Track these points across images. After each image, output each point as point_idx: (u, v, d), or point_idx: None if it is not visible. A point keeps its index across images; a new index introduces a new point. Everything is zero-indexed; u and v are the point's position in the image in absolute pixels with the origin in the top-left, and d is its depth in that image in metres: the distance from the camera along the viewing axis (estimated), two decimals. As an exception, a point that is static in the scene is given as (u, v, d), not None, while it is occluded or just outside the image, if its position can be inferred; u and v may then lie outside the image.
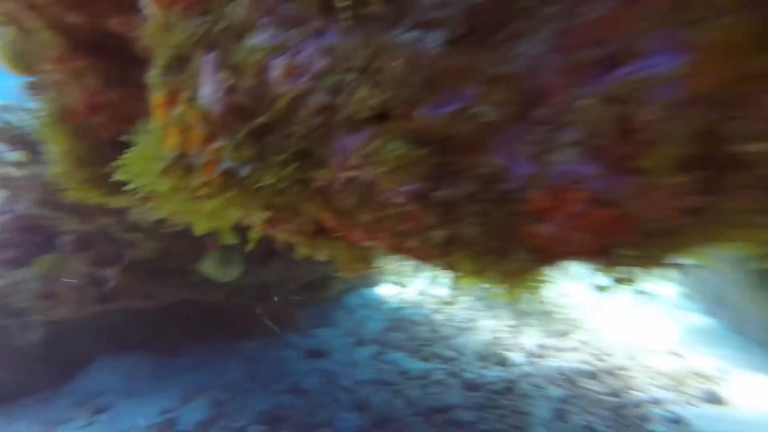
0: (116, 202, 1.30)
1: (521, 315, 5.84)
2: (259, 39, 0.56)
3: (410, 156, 0.54)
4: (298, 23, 0.57)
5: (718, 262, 4.72)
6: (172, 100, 0.64)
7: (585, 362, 4.54)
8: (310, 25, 0.56)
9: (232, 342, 4.13)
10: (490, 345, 4.86)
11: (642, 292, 7.12)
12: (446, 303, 6.28)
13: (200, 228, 0.79)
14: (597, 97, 0.48)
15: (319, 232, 0.70)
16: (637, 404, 3.81)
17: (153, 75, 0.67)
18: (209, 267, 2.79)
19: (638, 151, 0.47)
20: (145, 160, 0.71)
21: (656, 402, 3.86)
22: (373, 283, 6.74)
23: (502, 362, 4.47)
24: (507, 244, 0.55)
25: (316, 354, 4.24)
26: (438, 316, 5.86)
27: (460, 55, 0.53)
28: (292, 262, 3.80)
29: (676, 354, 4.84)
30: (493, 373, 4.28)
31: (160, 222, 1.94)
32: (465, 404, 3.64)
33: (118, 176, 0.77)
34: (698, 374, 4.33)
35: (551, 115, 0.52)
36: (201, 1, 0.62)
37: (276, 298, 3.87)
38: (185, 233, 1.97)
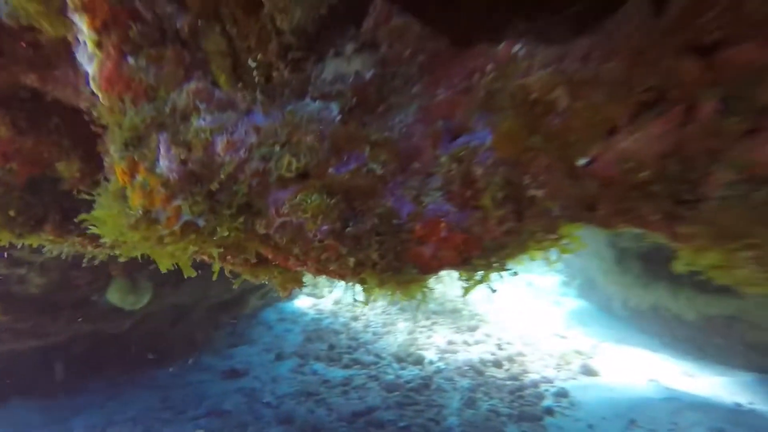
0: (29, 240, 1.26)
1: (433, 315, 6.27)
2: (202, 122, 0.70)
3: (325, 204, 0.72)
4: (229, 106, 0.72)
5: (586, 253, 5.59)
6: (132, 170, 0.74)
7: (489, 353, 5.05)
8: (238, 107, 0.72)
9: (142, 372, 3.89)
10: (407, 346, 5.17)
11: (531, 285, 8.06)
12: (361, 304, 6.50)
13: (164, 265, 0.88)
14: (449, 156, 0.71)
15: (260, 262, 0.84)
16: (533, 384, 4.36)
17: (114, 150, 0.76)
18: (115, 296, 2.65)
19: (477, 194, 0.70)
20: (113, 217, 0.79)
21: (547, 381, 4.45)
22: (290, 297, 6.73)
23: (418, 361, 4.79)
24: (400, 263, 0.75)
25: (235, 374, 4.17)
26: (356, 324, 6.05)
27: (353, 123, 0.73)
28: (206, 282, 3.72)
29: (561, 336, 5.60)
30: (410, 372, 4.57)
31: (53, 255, 1.84)
32: (385, 405, 3.86)
33: (92, 230, 0.83)
34: (577, 352, 5.07)
35: (422, 168, 0.74)
36: (147, 91, 0.73)
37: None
38: (82, 264, 1.90)
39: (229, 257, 0.81)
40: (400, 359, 4.83)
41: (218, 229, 0.73)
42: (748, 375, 4.37)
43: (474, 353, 5.05)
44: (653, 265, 3.00)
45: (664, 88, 0.58)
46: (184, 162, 0.71)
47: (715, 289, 2.91)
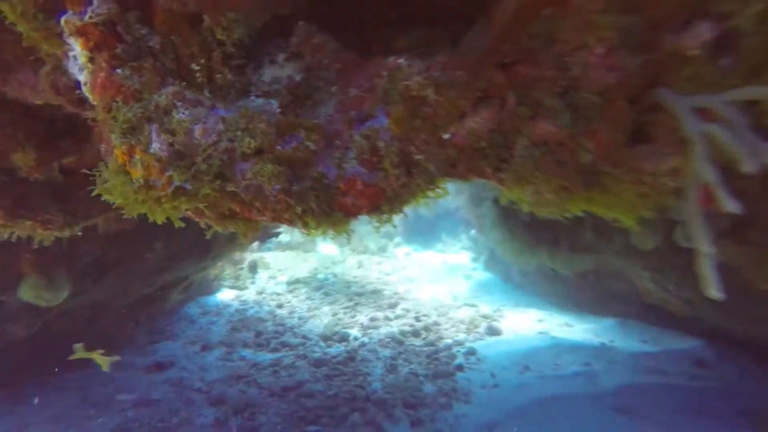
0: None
1: (355, 297, 6.62)
2: (182, 115, 0.90)
3: (276, 171, 0.96)
4: (199, 103, 0.93)
5: (488, 230, 6.34)
6: (131, 151, 0.90)
7: (408, 325, 5.53)
8: (205, 104, 0.94)
9: (56, 375, 3.71)
10: (332, 326, 5.46)
11: (445, 263, 8.81)
12: (285, 294, 6.64)
13: (160, 218, 1.04)
14: (360, 135, 1.00)
15: (230, 216, 1.04)
16: (447, 348, 4.91)
17: (114, 138, 0.92)
18: (29, 293, 2.56)
19: (380, 160, 1.00)
20: (119, 186, 0.95)
21: (459, 343, 5.04)
22: (211, 291, 6.63)
23: (343, 338, 5.11)
24: (331, 210, 1.03)
25: (160, 367, 4.14)
26: (281, 311, 6.18)
27: (290, 114, 0.98)
28: (126, 276, 3.65)
29: (471, 305, 6.29)
30: (336, 349, 4.88)
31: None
32: (314, 378, 4.13)
33: (106, 197, 0.97)
34: (484, 316, 5.77)
35: (341, 144, 1.02)
36: (134, 93, 0.90)
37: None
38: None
39: (207, 212, 1.00)
40: (326, 338, 5.11)
41: (200, 190, 0.94)
42: (611, 320, 5.36)
43: (395, 326, 5.50)
44: (535, 233, 3.64)
45: (488, 89, 0.92)
46: (171, 144, 0.91)
47: (583, 248, 3.61)
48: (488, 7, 0.91)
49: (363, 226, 9.66)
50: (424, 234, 10.98)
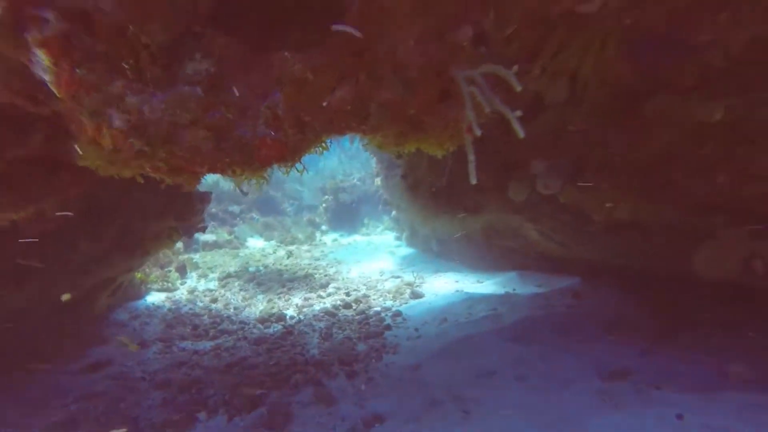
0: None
1: (288, 283, 6.92)
2: (132, 102, 1.22)
3: (207, 135, 1.33)
4: (141, 91, 1.26)
5: (407, 211, 6.98)
6: (99, 127, 1.19)
7: (340, 300, 5.99)
8: (147, 92, 1.27)
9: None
10: (268, 311, 5.74)
11: (371, 244, 9.37)
12: (221, 290, 6.75)
13: (128, 174, 1.32)
14: (264, 107, 1.41)
15: (176, 169, 1.35)
16: (376, 314, 5.44)
17: (84, 118, 1.20)
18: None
19: (281, 123, 1.43)
20: (93, 152, 1.22)
21: (386, 309, 5.59)
22: (140, 295, 6.54)
23: (280, 318, 5.43)
24: (252, 160, 1.42)
25: (97, 367, 4.18)
26: (216, 305, 6.31)
27: (211, 96, 1.35)
28: (50, 279, 3.67)
29: (396, 276, 6.90)
30: (274, 328, 5.20)
31: None
32: (255, 354, 4.43)
33: (83, 164, 1.23)
34: (408, 284, 6.39)
35: (252, 114, 1.42)
36: (93, 87, 1.19)
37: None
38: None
39: (162, 167, 1.31)
40: (263, 320, 5.40)
41: (156, 152, 1.26)
42: (513, 273, 6.23)
43: (327, 303, 5.93)
44: (436, 199, 4.25)
45: (347, 71, 1.39)
46: (128, 120, 1.22)
47: (474, 209, 4.29)
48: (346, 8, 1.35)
49: (289, 218, 9.83)
50: (348, 220, 11.46)
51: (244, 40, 1.33)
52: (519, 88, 1.26)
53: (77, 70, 1.17)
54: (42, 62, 1.19)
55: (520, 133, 1.32)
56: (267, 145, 1.32)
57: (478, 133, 1.37)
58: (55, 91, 1.22)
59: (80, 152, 1.28)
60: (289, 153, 1.37)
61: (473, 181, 1.47)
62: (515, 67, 1.27)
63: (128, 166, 1.29)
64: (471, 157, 1.45)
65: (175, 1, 1.20)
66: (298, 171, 1.55)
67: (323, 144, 1.49)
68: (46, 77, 1.21)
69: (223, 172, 1.35)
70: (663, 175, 2.80)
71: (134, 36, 1.31)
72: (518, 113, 1.32)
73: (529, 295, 5.53)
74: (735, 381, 3.05)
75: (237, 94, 1.30)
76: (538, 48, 1.88)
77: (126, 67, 1.33)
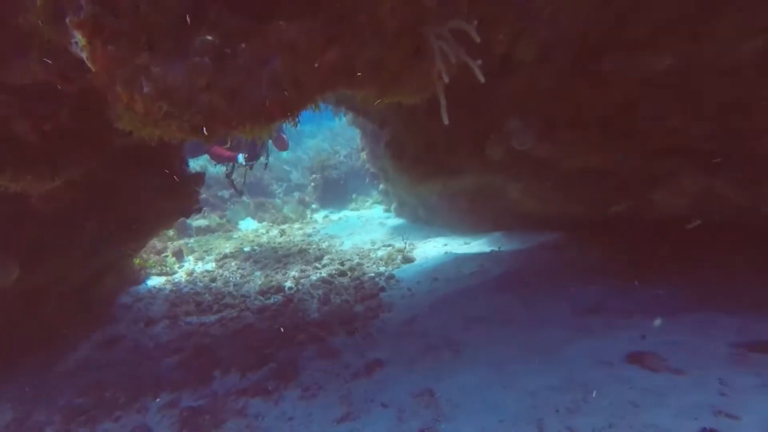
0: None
1: (283, 259, 7.17)
2: (156, 72, 1.41)
3: (220, 97, 1.54)
4: (163, 62, 1.45)
5: (393, 180, 7.22)
6: (132, 94, 1.38)
7: (335, 269, 6.26)
8: (168, 61, 1.46)
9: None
10: (267, 284, 6.00)
11: (361, 217, 9.63)
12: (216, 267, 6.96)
13: (159, 135, 1.52)
14: (267, 72, 1.63)
15: (197, 128, 1.54)
16: (370, 279, 5.74)
17: (119, 88, 1.39)
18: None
19: (281, 84, 1.65)
20: (129, 115, 1.43)
21: (380, 274, 5.89)
22: (140, 280, 6.73)
23: (279, 290, 5.70)
24: (258, 116, 1.62)
25: (111, 342, 4.42)
26: (215, 284, 6.54)
27: (218, 65, 1.56)
28: (62, 260, 3.84)
29: (387, 245, 7.20)
30: (275, 299, 5.47)
31: None
32: (259, 320, 4.72)
33: (121, 126, 1.43)
34: (399, 250, 6.69)
35: (256, 77, 1.64)
36: (123, 61, 1.38)
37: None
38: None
39: (184, 126, 1.51)
40: (264, 293, 5.66)
41: (183, 114, 1.47)
42: (499, 233, 6.57)
43: (323, 273, 6.20)
44: (421, 163, 4.50)
45: (336, 35, 1.60)
46: (156, 87, 1.42)
47: (458, 171, 4.56)
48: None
49: (279, 199, 10.00)
50: (337, 196, 11.68)
51: (243, 13, 1.54)
52: (478, 40, 1.50)
53: (108, 47, 1.37)
54: (79, 42, 1.38)
55: (481, 78, 1.56)
56: (271, 103, 1.54)
57: (447, 79, 1.61)
58: (91, 66, 1.41)
59: (118, 116, 1.48)
60: (290, 109, 1.58)
61: (445, 121, 1.71)
62: (475, 22, 1.50)
63: (158, 127, 1.49)
64: (442, 102, 1.70)
65: None
66: (292, 126, 1.77)
67: (316, 102, 1.72)
68: (83, 54, 1.40)
69: (236, 128, 1.56)
70: (625, 124, 3.09)
71: (145, 14, 1.51)
72: (479, 62, 1.55)
73: (514, 251, 5.88)
74: (690, 305, 3.43)
75: (246, 61, 1.51)
76: (499, 14, 2.12)
77: (143, 40, 1.52)
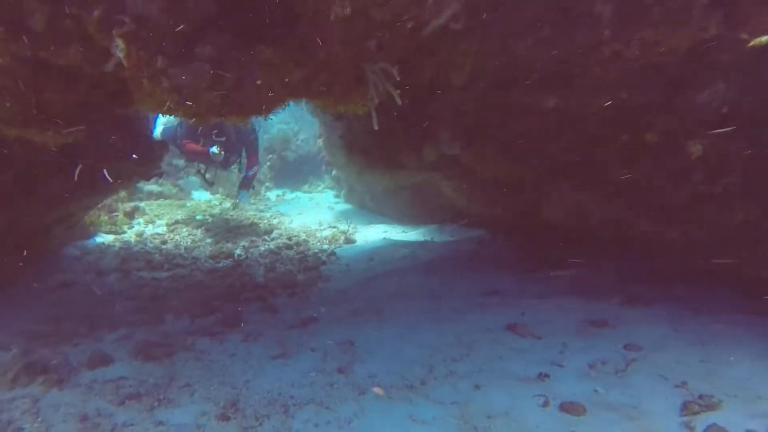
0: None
1: (234, 229, 7.61)
2: (173, 72, 1.92)
3: (217, 96, 2.10)
4: (177, 65, 1.98)
5: (345, 168, 7.84)
6: (153, 88, 1.88)
7: (283, 243, 6.82)
8: (179, 65, 1.98)
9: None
10: (218, 251, 6.45)
11: (312, 200, 10.19)
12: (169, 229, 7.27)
13: (169, 114, 2.01)
14: (250, 81, 2.22)
15: (198, 115, 2.05)
16: (313, 254, 6.36)
17: (145, 80, 1.87)
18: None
19: (260, 91, 2.23)
20: (151, 103, 1.93)
21: (322, 251, 6.53)
22: (88, 235, 6.90)
23: (229, 256, 6.19)
24: (242, 111, 2.19)
25: (63, 285, 4.74)
26: (166, 246, 6.88)
27: (216, 71, 2.11)
28: (20, 212, 4.13)
29: (333, 227, 7.84)
30: (224, 263, 5.96)
31: None
32: (209, 280, 5.22)
33: (140, 108, 1.92)
34: (343, 233, 7.36)
35: (244, 85, 2.22)
36: (149, 62, 1.86)
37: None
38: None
39: (189, 113, 2.02)
40: (214, 257, 6.13)
41: (188, 104, 1.99)
42: (434, 226, 7.40)
43: (272, 245, 6.75)
44: (368, 156, 5.18)
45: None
46: (171, 84, 1.93)
47: (401, 165, 5.27)
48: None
49: (234, 174, 10.34)
50: (292, 177, 12.13)
51: (234, 36, 2.10)
52: (398, 78, 2.17)
53: (140, 52, 1.87)
54: (118, 46, 1.87)
55: (399, 101, 2.23)
56: (252, 103, 2.11)
57: (377, 101, 2.27)
58: (125, 64, 1.90)
59: (140, 99, 1.98)
60: (265, 109, 2.16)
61: (376, 127, 2.37)
62: (396, 67, 2.17)
63: (170, 112, 2.01)
64: (374, 115, 2.35)
65: (198, 4, 1.93)
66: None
67: (284, 105, 2.30)
68: (120, 55, 1.88)
69: (225, 117, 2.11)
70: (524, 144, 3.92)
71: (164, 32, 2.03)
72: (398, 97, 2.22)
73: (443, 243, 6.73)
74: (560, 293, 4.38)
75: (232, 73, 2.08)
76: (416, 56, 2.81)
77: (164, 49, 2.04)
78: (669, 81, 2.79)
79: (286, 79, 2.04)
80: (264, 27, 2.09)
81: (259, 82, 2.00)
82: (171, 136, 7.33)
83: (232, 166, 7.68)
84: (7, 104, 2.11)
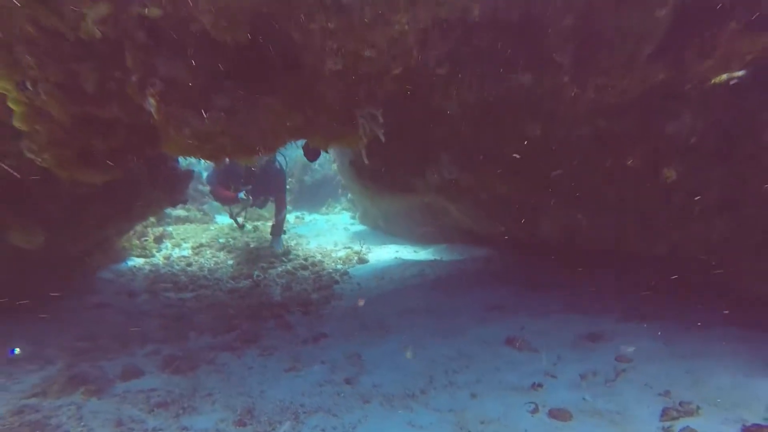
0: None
1: (254, 251, 8.02)
2: (194, 122, 2.34)
3: (229, 140, 2.47)
4: (196, 116, 2.37)
5: (357, 192, 8.22)
6: (177, 134, 2.30)
7: (299, 264, 7.17)
8: (198, 115, 2.37)
9: None
10: (238, 272, 6.84)
11: (329, 221, 10.57)
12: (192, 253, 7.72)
13: (195, 156, 2.41)
14: (257, 127, 2.58)
15: (212, 155, 2.43)
16: (328, 274, 6.68)
17: (171, 129, 2.28)
18: (19, 238, 3.57)
19: (266, 134, 2.59)
20: (175, 146, 2.34)
21: (336, 270, 6.85)
22: (121, 259, 7.41)
23: (248, 277, 6.57)
24: (251, 152, 2.56)
25: (99, 306, 5.19)
26: (191, 269, 7.32)
27: (229, 118, 2.50)
28: (62, 235, 4.61)
29: (348, 247, 8.17)
30: (244, 284, 6.34)
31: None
32: (230, 299, 5.59)
33: (166, 150, 2.33)
34: (356, 253, 7.67)
35: (251, 131, 2.59)
36: (175, 115, 2.28)
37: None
38: None
39: (204, 154, 2.40)
40: (234, 278, 6.52)
41: (204, 146, 2.38)
42: (444, 245, 7.65)
43: (289, 266, 7.11)
44: (378, 181, 5.52)
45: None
46: (192, 131, 2.34)
47: (410, 189, 5.59)
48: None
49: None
50: (310, 200, 12.59)
51: (244, 86, 2.49)
52: (381, 121, 2.52)
53: (168, 107, 2.27)
54: (150, 102, 2.28)
55: (382, 139, 2.57)
56: (258, 144, 2.47)
57: (365, 141, 2.60)
58: (155, 116, 2.30)
59: (166, 144, 2.38)
60: (269, 149, 2.52)
61: (366, 161, 2.70)
62: (380, 110, 2.51)
63: (189, 153, 2.39)
64: (363, 153, 2.69)
65: (215, 62, 2.34)
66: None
67: (285, 144, 2.65)
68: (152, 109, 2.29)
69: (234, 157, 2.47)
70: (516, 166, 4.19)
71: (187, 91, 2.43)
72: (384, 134, 2.57)
73: (452, 261, 6.96)
74: (559, 308, 4.56)
75: (241, 119, 2.46)
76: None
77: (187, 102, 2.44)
78: (641, 112, 3.05)
79: (288, 123, 2.40)
80: (268, 80, 2.47)
81: (264, 126, 2.37)
82: (210, 182, 8.18)
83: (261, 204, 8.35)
84: (60, 151, 2.55)
